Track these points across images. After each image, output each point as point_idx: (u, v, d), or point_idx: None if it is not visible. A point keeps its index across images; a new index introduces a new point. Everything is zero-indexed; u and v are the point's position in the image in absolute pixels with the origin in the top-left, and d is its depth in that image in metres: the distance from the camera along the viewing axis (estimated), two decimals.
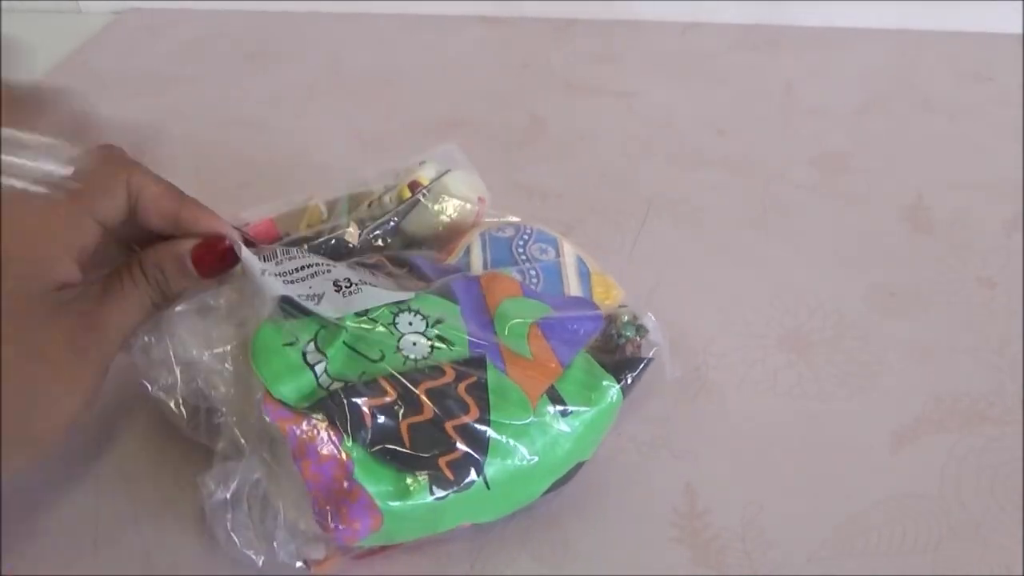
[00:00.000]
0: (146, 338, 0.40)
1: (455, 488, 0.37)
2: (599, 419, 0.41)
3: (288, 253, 0.43)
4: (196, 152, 0.69)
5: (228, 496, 0.37)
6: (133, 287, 0.40)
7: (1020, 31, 0.85)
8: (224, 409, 0.39)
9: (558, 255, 0.47)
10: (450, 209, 0.49)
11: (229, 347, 0.40)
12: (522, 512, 0.41)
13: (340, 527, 0.36)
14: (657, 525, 0.42)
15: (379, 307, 0.40)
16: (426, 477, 0.37)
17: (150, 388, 0.40)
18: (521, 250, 0.47)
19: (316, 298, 0.40)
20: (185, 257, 0.40)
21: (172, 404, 0.40)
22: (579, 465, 0.41)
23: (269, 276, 0.40)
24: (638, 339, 0.44)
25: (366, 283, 0.42)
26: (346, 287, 0.41)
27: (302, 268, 0.42)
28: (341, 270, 0.42)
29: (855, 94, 0.76)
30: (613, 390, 0.41)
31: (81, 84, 0.81)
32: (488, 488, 0.38)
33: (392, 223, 0.48)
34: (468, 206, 0.49)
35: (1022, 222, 0.60)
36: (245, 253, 0.41)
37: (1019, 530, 0.41)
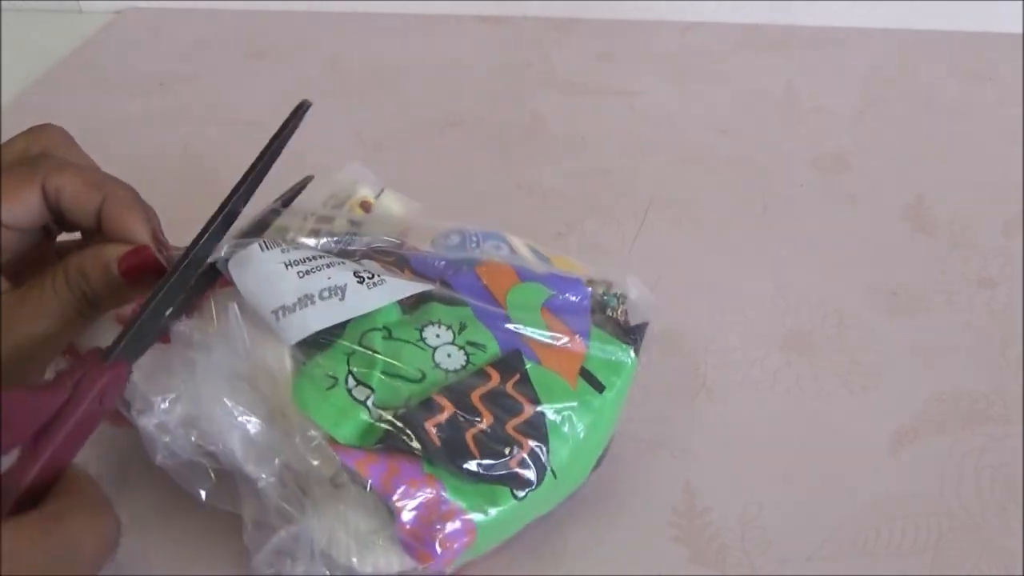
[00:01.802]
0: (163, 404, 0.37)
1: (533, 486, 0.37)
2: (623, 389, 0.41)
3: (280, 243, 0.40)
4: (196, 152, 0.69)
5: None
6: (52, 295, 0.36)
7: (1020, 31, 0.85)
8: (264, 475, 0.37)
9: (512, 250, 0.46)
10: (397, 225, 0.48)
11: (253, 410, 0.37)
12: None
13: (440, 551, 0.36)
14: (656, 524, 0.42)
15: (404, 326, 0.39)
16: (505, 482, 0.37)
17: (158, 457, 0.37)
18: (477, 252, 0.45)
19: (339, 291, 0.38)
20: (111, 264, 0.37)
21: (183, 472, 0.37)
22: (612, 438, 0.42)
23: (284, 318, 0.37)
24: (620, 306, 0.44)
25: (385, 272, 0.40)
26: (368, 278, 0.39)
27: (313, 258, 0.39)
28: (352, 263, 0.40)
29: (856, 94, 0.76)
30: (630, 357, 0.42)
31: (81, 84, 0.81)
32: (556, 477, 0.38)
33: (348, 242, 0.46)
34: (412, 220, 0.48)
35: (1022, 222, 0.60)
36: (246, 297, 0.37)
37: (1019, 530, 0.41)
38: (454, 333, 0.40)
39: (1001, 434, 0.45)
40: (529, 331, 0.40)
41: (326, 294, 0.38)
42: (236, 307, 0.37)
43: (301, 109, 0.40)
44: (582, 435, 0.39)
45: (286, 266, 0.38)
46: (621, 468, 0.44)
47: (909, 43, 0.84)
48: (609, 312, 0.43)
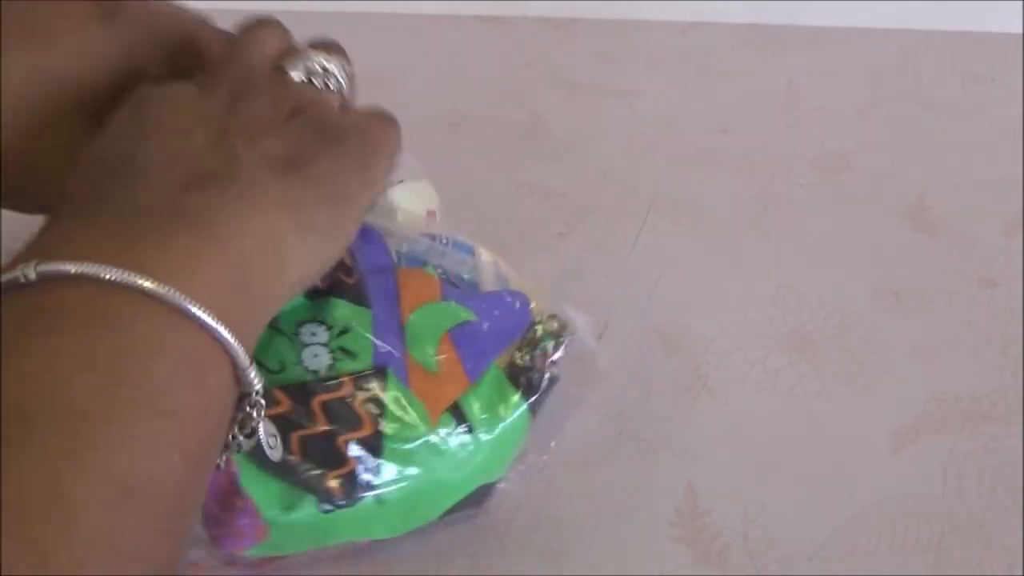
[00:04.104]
0: None
1: (343, 504, 0.36)
2: (504, 438, 0.39)
3: None
4: None
5: None
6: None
7: (1021, 31, 0.85)
8: None
9: (475, 265, 0.44)
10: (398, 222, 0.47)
11: None
12: (523, 511, 0.41)
13: (225, 535, 0.35)
14: (658, 525, 0.42)
15: (291, 315, 0.38)
16: (313, 491, 0.36)
17: None
18: (439, 266, 0.43)
19: None
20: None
21: None
22: (487, 487, 0.39)
23: None
24: (552, 352, 0.41)
25: None
26: None
27: None
28: None
29: (857, 94, 0.76)
30: (520, 409, 0.39)
31: None
32: (381, 505, 0.37)
33: None
34: (415, 220, 0.47)
35: (1022, 222, 0.60)
36: None
37: (1021, 530, 0.41)
38: (330, 335, 0.38)
39: (1003, 434, 0.45)
40: (412, 353, 0.38)
41: None
42: None
43: None
44: (426, 473, 0.37)
45: None
46: (622, 468, 0.44)
47: (909, 43, 0.84)
48: (538, 352, 0.40)
